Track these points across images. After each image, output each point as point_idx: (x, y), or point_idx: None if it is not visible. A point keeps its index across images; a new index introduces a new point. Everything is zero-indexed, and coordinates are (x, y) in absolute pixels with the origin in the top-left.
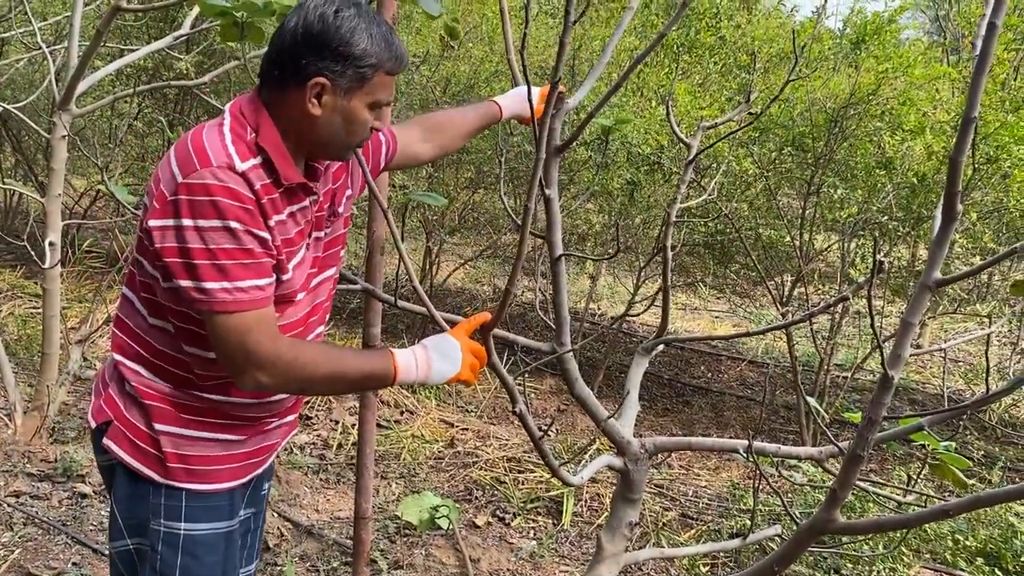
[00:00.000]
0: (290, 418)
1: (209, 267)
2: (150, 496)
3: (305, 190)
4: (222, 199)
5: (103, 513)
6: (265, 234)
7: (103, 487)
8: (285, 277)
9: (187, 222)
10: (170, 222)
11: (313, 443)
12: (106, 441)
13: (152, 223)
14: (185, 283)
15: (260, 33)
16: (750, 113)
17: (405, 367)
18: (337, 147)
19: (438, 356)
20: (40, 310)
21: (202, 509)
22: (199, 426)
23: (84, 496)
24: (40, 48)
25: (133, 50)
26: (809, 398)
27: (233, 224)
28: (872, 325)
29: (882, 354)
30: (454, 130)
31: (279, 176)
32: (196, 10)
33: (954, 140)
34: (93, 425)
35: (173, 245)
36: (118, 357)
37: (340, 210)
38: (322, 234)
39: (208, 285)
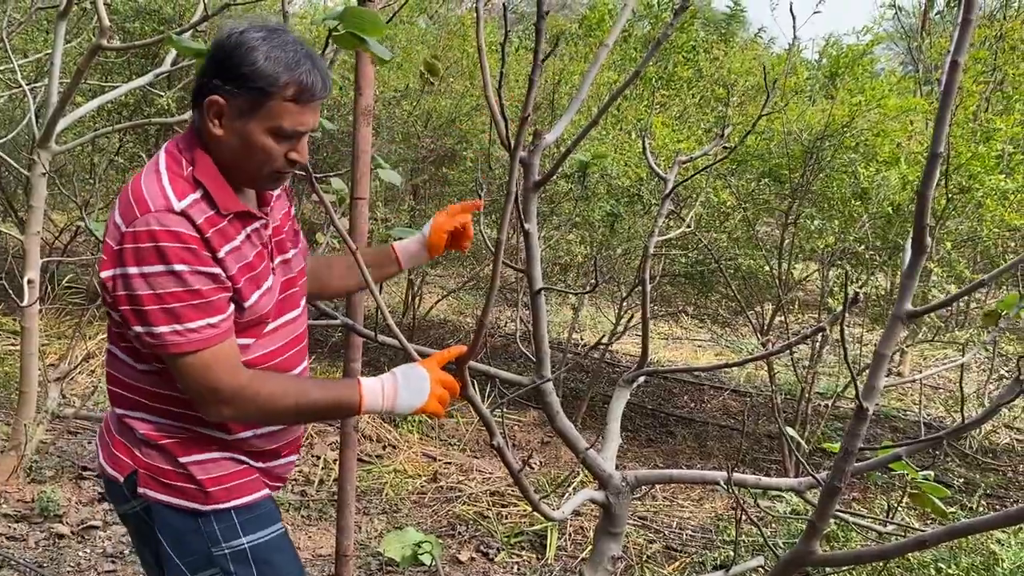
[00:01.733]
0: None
1: (158, 312)
2: (202, 527)
3: (251, 216)
4: (164, 243)
5: (80, 554)
6: (215, 269)
7: (81, 527)
8: (248, 303)
9: (132, 270)
10: (118, 271)
11: (294, 479)
12: (142, 490)
13: (104, 274)
14: (139, 329)
15: None
16: (725, 147)
17: (371, 395)
18: (247, 173)
19: (405, 386)
20: (18, 347)
21: (254, 520)
22: (220, 447)
23: (61, 536)
24: (20, 86)
25: (115, 87)
26: (788, 428)
27: (178, 267)
28: (845, 358)
29: (856, 387)
30: (339, 268)
31: (227, 213)
32: None
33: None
34: (119, 477)
35: (123, 293)
36: (120, 411)
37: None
38: (289, 255)
39: (159, 329)
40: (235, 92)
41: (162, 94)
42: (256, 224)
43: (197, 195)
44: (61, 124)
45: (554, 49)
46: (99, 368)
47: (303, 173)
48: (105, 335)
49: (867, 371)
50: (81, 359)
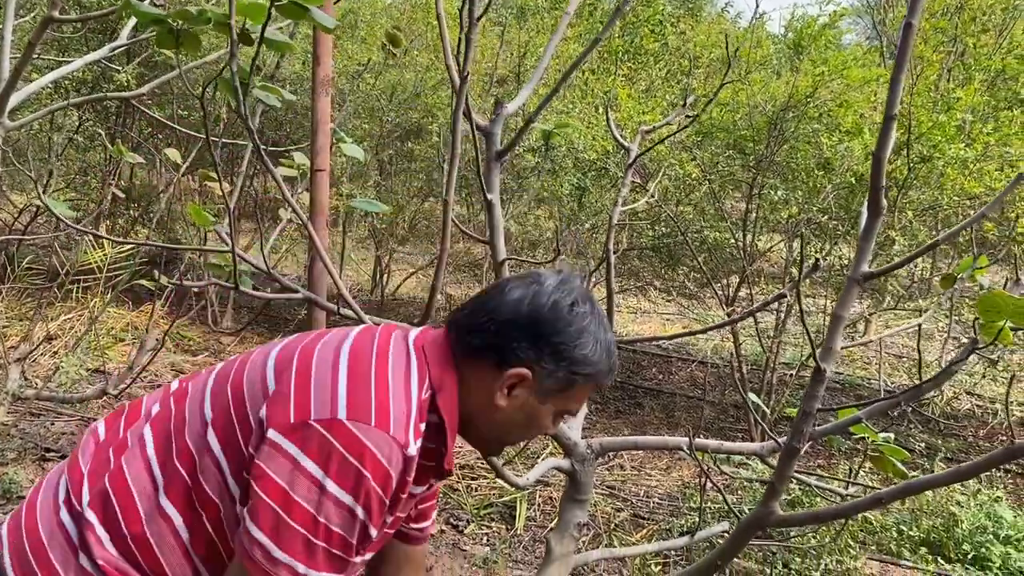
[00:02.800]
0: None
1: (300, 537)
2: None
3: (442, 475)
4: (369, 478)
5: None
6: (375, 531)
7: None
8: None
9: (315, 470)
10: (298, 453)
11: None
12: None
13: (273, 435)
14: (254, 530)
15: (196, 40)
16: (688, 116)
17: None
18: (496, 442)
19: None
20: None
21: None
22: None
23: None
24: None
25: (71, 62)
26: (751, 395)
27: (360, 511)
28: (803, 321)
29: (813, 348)
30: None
31: (441, 457)
32: (133, 21)
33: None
34: None
35: (279, 482)
36: (90, 516)
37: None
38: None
39: (279, 553)
40: (552, 371)
41: (120, 69)
42: (432, 482)
43: (423, 425)
44: (13, 100)
45: (486, 10)
46: (62, 349)
47: (252, 145)
48: (66, 315)
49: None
50: (42, 340)
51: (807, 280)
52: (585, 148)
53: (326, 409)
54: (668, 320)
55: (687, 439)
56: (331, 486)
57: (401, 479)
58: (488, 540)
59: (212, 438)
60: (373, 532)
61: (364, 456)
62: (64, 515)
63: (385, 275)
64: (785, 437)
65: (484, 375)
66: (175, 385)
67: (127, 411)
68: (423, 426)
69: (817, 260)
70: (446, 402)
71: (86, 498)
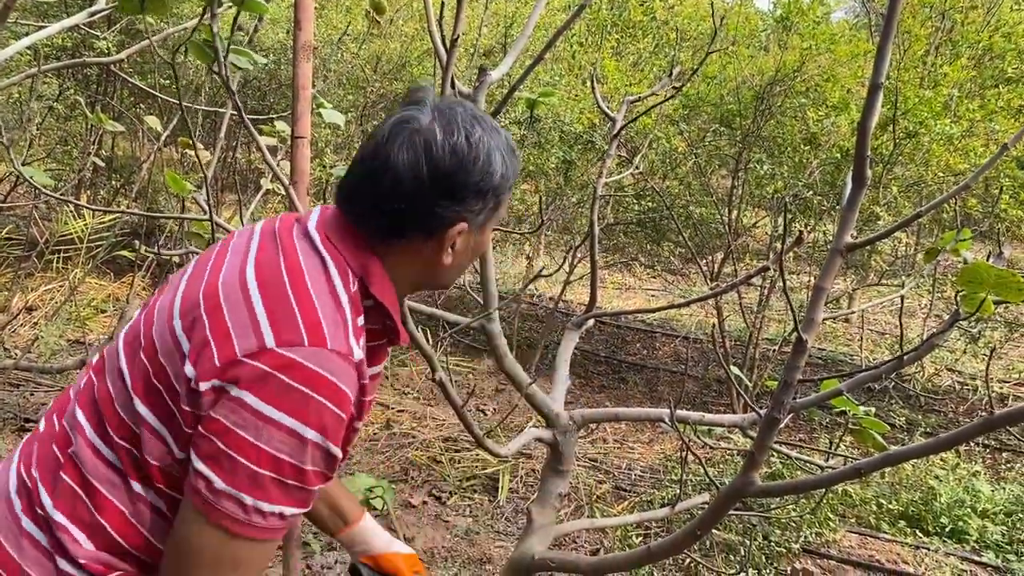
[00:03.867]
0: None
1: (248, 472)
2: None
3: (394, 343)
4: (322, 400)
5: None
6: (338, 451)
7: None
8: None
9: (260, 405)
10: (235, 391)
11: None
12: None
13: (203, 385)
14: (204, 470)
15: (163, 4)
16: (674, 86)
17: None
18: (447, 286)
19: None
20: None
21: None
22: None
23: None
24: None
25: (38, 26)
26: (733, 368)
27: (313, 436)
28: (785, 294)
29: (796, 321)
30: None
31: (392, 332)
32: None
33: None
34: None
35: (224, 423)
36: (59, 518)
37: None
38: None
39: (228, 488)
40: (481, 208)
41: (101, 36)
42: (387, 351)
43: (361, 319)
44: None
45: None
46: (41, 320)
47: (236, 113)
48: (46, 286)
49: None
50: (21, 310)
51: (791, 255)
52: (572, 121)
53: (252, 342)
54: (653, 296)
55: (668, 411)
56: (274, 414)
57: (358, 386)
58: (471, 512)
59: (142, 408)
60: (335, 451)
61: (307, 379)
62: (28, 524)
63: None
64: (766, 409)
65: (417, 249)
66: (95, 357)
67: (59, 400)
68: (362, 320)
69: (801, 233)
70: (378, 287)
71: (47, 501)
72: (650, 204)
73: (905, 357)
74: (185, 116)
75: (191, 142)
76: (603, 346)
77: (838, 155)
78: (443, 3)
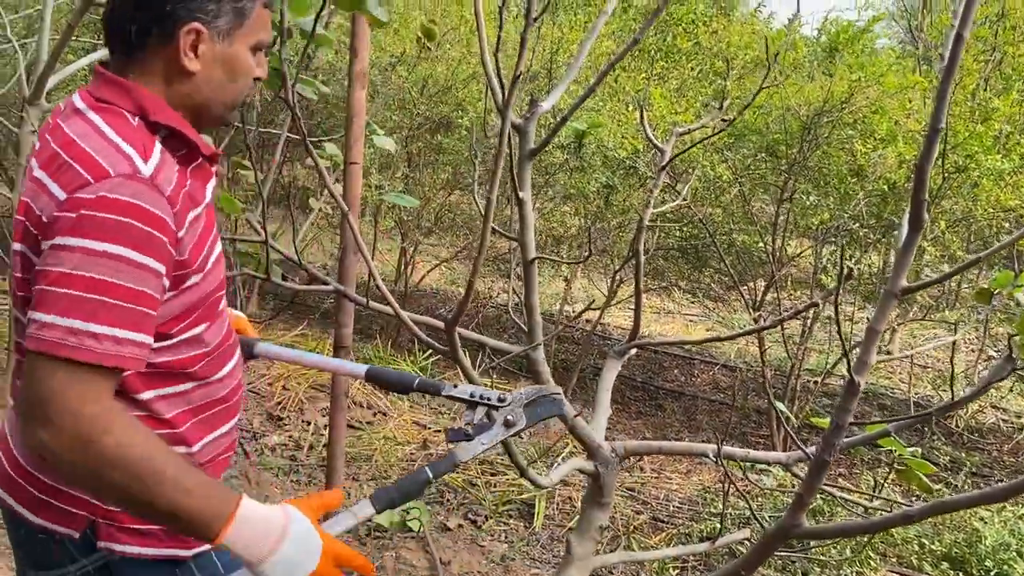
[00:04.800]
0: None
1: (70, 297)
2: None
3: (213, 160)
4: (129, 220)
5: None
6: (162, 267)
7: None
8: (206, 271)
9: (73, 241)
10: (51, 242)
11: (284, 444)
12: (104, 544)
13: (17, 246)
14: (33, 314)
15: None
16: (723, 119)
17: (243, 525)
18: (220, 107)
19: (292, 549)
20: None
21: (228, 556)
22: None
23: None
24: (10, 42)
25: (83, 48)
26: (778, 402)
27: (130, 253)
28: (839, 332)
29: (848, 361)
30: None
31: (194, 151)
32: None
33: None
34: (71, 533)
35: (49, 268)
36: None
37: None
38: None
39: (54, 319)
40: (216, 11)
41: None
42: (212, 171)
43: (158, 149)
44: (52, 81)
45: (546, 7)
46: None
47: (298, 137)
48: None
49: (859, 347)
50: None
51: (833, 285)
52: (615, 147)
53: (51, 204)
54: (691, 321)
55: (713, 446)
56: (93, 244)
57: (161, 198)
58: (506, 537)
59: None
60: (154, 264)
61: (113, 206)
62: None
63: (409, 266)
64: (812, 447)
65: (161, 58)
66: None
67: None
68: (157, 148)
69: (850, 270)
70: (158, 114)
71: None
72: (692, 230)
73: (957, 403)
74: (245, 137)
75: (245, 163)
76: (640, 372)
77: (885, 187)
78: (499, 37)
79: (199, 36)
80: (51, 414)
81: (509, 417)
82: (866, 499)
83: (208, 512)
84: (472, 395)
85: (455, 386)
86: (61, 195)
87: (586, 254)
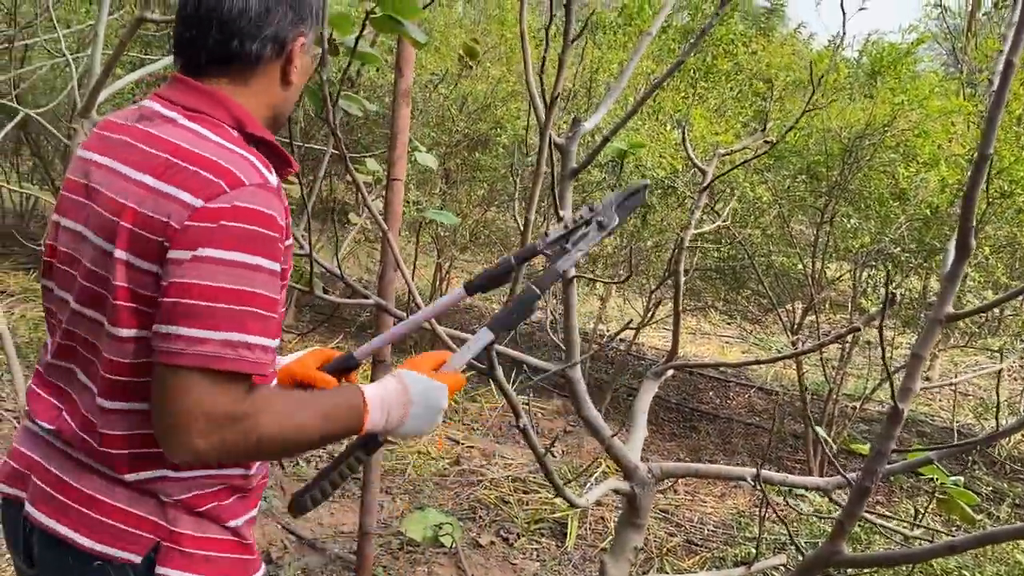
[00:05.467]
0: None
1: (225, 311)
2: None
3: (290, 173)
4: (264, 230)
5: None
6: (279, 266)
7: None
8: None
9: (216, 253)
10: (189, 254)
11: (318, 456)
12: (163, 571)
13: (144, 264)
14: (171, 329)
15: None
16: (766, 141)
17: (374, 408)
18: (291, 110)
19: (421, 405)
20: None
21: None
22: (248, 495)
23: None
24: (63, 56)
25: (155, 59)
26: (818, 427)
27: (267, 263)
28: (883, 359)
29: (892, 387)
30: None
31: (284, 164)
32: None
33: (968, 174)
34: (131, 559)
35: (186, 281)
36: (134, 476)
37: None
38: None
39: (209, 334)
40: (311, 23)
41: None
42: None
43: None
44: (103, 95)
45: (583, 30)
46: None
47: (338, 152)
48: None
49: (901, 372)
50: None
51: (872, 307)
52: (653, 166)
53: (181, 215)
54: (726, 342)
55: (751, 470)
56: (238, 256)
57: (282, 208)
58: (538, 556)
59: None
60: (278, 268)
61: (250, 216)
62: None
63: (445, 282)
64: (852, 473)
65: (268, 71)
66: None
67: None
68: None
69: (893, 295)
70: (253, 126)
71: None
72: (730, 251)
73: (1001, 431)
74: (293, 152)
75: (290, 178)
76: (675, 392)
77: (927, 211)
78: (544, 58)
79: (303, 48)
80: (210, 424)
81: (602, 220)
82: (906, 527)
83: (350, 419)
84: (567, 225)
85: (547, 234)
86: (195, 203)
87: (626, 274)
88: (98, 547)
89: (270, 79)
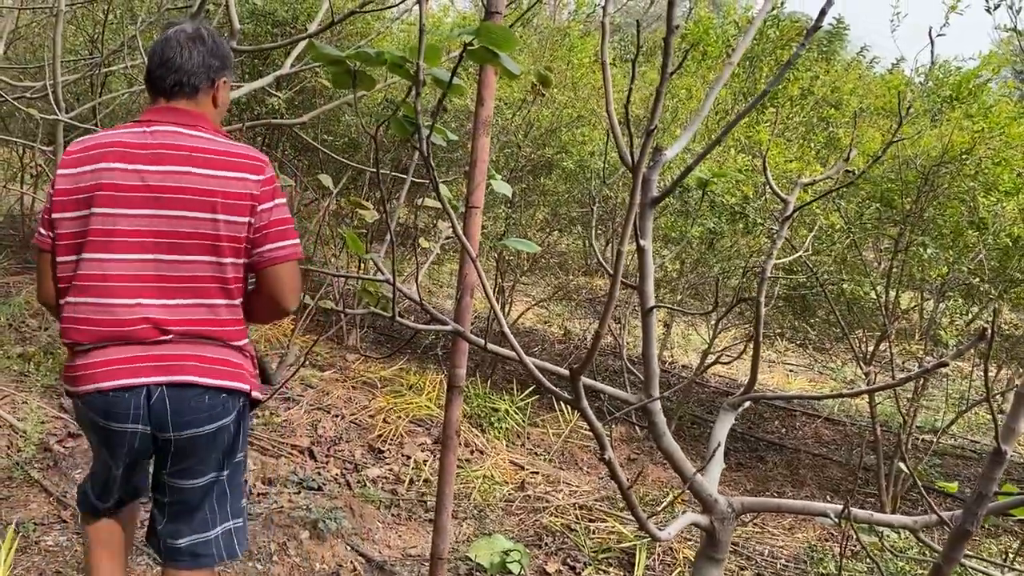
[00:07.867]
0: None
1: (293, 229)
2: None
3: None
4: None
5: None
6: None
7: None
8: None
9: (281, 201)
10: (271, 204)
11: (385, 477)
12: (255, 394)
13: (263, 206)
14: (285, 243)
15: (371, 80)
16: (847, 171)
17: None
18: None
19: None
20: None
21: None
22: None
23: None
24: (142, 84)
25: (236, 86)
26: (902, 464)
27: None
28: (988, 399)
29: (996, 428)
30: None
31: None
32: (296, 51)
33: None
34: (245, 387)
35: (280, 217)
36: (237, 343)
37: None
38: None
39: (295, 241)
40: (230, 69)
41: (275, 94)
42: None
43: None
44: None
45: (682, 63)
46: None
47: (403, 176)
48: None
49: (977, 407)
50: None
51: (950, 340)
52: (723, 192)
53: (255, 186)
54: (792, 371)
55: (834, 506)
56: (283, 200)
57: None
58: None
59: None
60: None
61: (274, 178)
62: None
63: (507, 305)
64: (949, 512)
65: (215, 98)
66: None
67: None
68: None
69: (985, 330)
70: (221, 132)
71: None
72: (799, 279)
73: None
74: (379, 182)
75: (364, 204)
76: (740, 421)
77: (1007, 241)
78: (630, 88)
79: (224, 84)
80: (298, 290)
81: None
82: (994, 569)
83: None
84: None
85: None
86: (258, 176)
87: (714, 305)
88: (228, 383)
89: (209, 103)
